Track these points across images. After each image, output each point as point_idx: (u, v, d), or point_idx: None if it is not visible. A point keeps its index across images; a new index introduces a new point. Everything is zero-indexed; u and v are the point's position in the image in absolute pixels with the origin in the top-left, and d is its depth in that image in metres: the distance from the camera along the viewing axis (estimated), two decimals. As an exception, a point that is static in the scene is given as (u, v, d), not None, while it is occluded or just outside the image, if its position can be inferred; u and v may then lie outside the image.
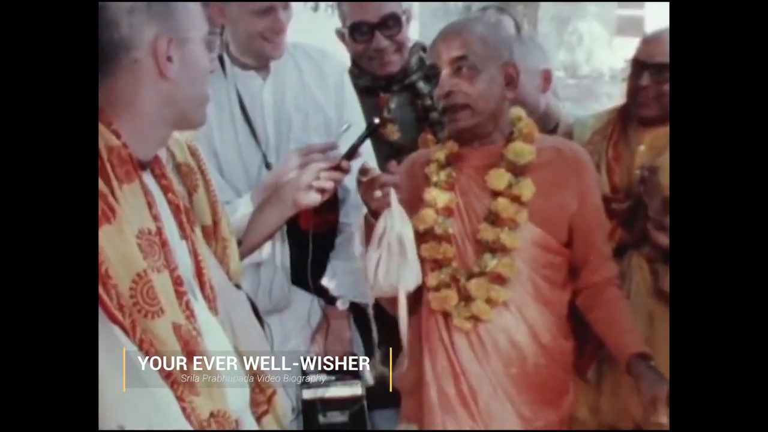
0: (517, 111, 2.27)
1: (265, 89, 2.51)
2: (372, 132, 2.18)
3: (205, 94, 1.56)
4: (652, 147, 2.44)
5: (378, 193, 2.10)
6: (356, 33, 2.73)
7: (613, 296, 2.22)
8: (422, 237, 2.20)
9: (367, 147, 2.37)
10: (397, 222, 2.08)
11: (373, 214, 2.13)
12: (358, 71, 2.79)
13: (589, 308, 2.23)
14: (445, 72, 2.16)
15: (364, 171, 2.12)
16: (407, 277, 2.09)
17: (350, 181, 2.28)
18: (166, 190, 1.58)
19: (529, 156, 2.20)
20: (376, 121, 2.17)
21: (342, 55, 2.77)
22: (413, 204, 2.20)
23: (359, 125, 2.30)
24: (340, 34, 2.81)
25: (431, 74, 2.64)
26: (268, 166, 2.47)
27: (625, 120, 2.56)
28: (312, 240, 2.32)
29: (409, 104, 2.77)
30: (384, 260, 2.07)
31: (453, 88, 2.15)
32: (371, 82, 2.78)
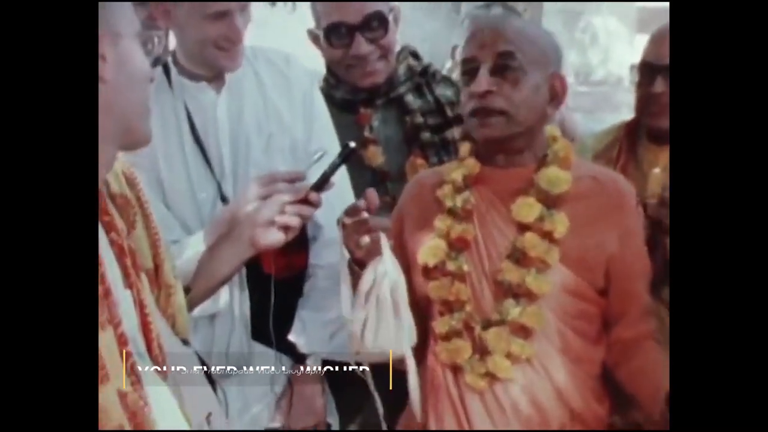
0: (552, 130, 2.25)
1: (220, 105, 2.49)
2: (347, 157, 2.14)
3: (146, 102, 1.58)
4: (668, 169, 2.41)
5: (366, 240, 2.07)
6: (333, 36, 2.71)
7: (650, 348, 2.19)
8: (431, 273, 2.19)
9: (342, 175, 2.35)
10: (389, 275, 2.05)
11: (358, 263, 2.10)
12: (334, 81, 2.78)
13: (618, 364, 2.22)
14: (485, 67, 2.14)
15: (352, 211, 2.09)
16: (401, 340, 2.07)
17: (322, 216, 2.27)
18: (108, 228, 1.58)
19: (564, 185, 2.18)
20: (352, 144, 2.13)
21: (314, 61, 2.78)
22: (422, 234, 2.20)
23: (334, 150, 2.27)
24: (313, 36, 2.79)
25: (423, 83, 2.73)
26: (223, 198, 2.45)
27: (635, 138, 2.56)
28: (275, 286, 2.32)
29: (395, 122, 2.77)
30: (372, 321, 2.05)
31: (493, 87, 2.14)
32: (350, 95, 2.77)
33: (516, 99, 2.15)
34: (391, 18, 2.72)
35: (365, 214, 2.07)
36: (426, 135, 2.71)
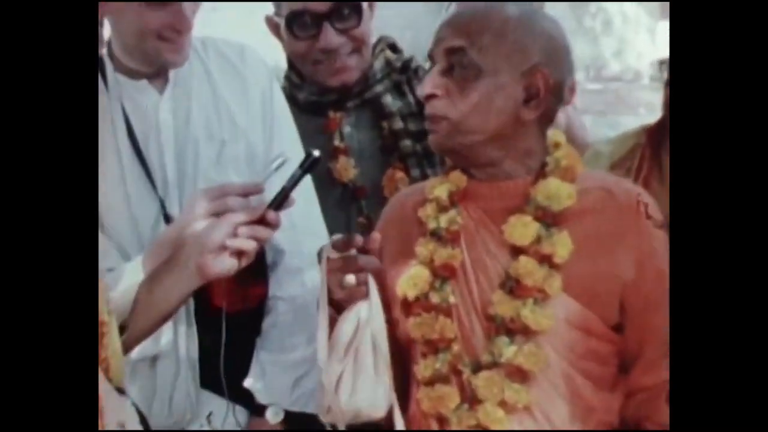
0: (555, 135, 2.20)
1: (162, 107, 2.44)
2: (310, 168, 2.05)
3: None
4: None
5: (351, 280, 2.02)
6: (296, 25, 2.65)
7: None
8: (411, 307, 2.14)
9: (307, 189, 2.33)
10: (373, 323, 2.02)
11: (335, 306, 2.05)
12: (297, 79, 2.74)
13: (645, 418, 2.13)
14: (438, 67, 2.11)
15: (341, 244, 2.03)
16: (380, 399, 2.04)
17: (284, 238, 2.25)
18: None
19: (566, 200, 2.11)
20: (316, 153, 2.04)
21: (273, 55, 2.74)
22: (402, 262, 2.16)
23: (298, 159, 2.18)
24: (272, 25, 2.73)
25: (404, 81, 2.72)
26: (166, 217, 2.40)
27: (659, 145, 2.51)
28: (228, 323, 2.25)
29: (370, 127, 2.72)
30: (348, 376, 2.01)
31: (437, 90, 2.10)
32: (317, 96, 2.72)
33: (461, 104, 2.10)
34: (365, 5, 2.67)
35: (354, 250, 2.03)
36: (406, 143, 2.66)
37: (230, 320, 2.25)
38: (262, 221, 2.01)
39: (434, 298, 2.13)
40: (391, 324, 2.12)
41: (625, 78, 8.73)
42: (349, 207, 2.25)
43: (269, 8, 2.74)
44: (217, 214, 2.03)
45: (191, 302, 2.26)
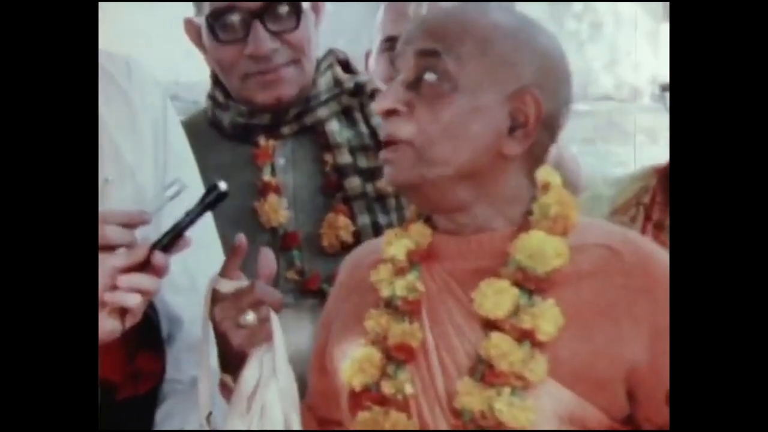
0: (546, 173, 1.94)
1: None
2: (213, 204, 1.84)
3: None
4: None
5: (250, 317, 1.82)
6: (220, 27, 2.36)
7: None
8: (358, 399, 1.93)
9: (213, 237, 2.09)
10: (280, 375, 1.85)
11: (233, 356, 1.85)
12: (223, 98, 2.45)
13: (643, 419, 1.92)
14: (401, 77, 1.87)
15: (230, 270, 1.87)
16: None
17: (182, 301, 2.04)
18: None
19: (555, 259, 1.84)
20: (222, 186, 1.82)
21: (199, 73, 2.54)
22: (350, 340, 1.96)
23: (198, 191, 1.98)
24: (192, 31, 2.47)
25: (356, 106, 2.48)
26: None
27: None
28: (117, 412, 1.99)
29: (310, 160, 2.46)
30: None
31: (400, 105, 1.84)
32: (245, 118, 2.43)
33: (428, 125, 1.83)
34: (306, 5, 2.40)
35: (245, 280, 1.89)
36: (354, 182, 2.38)
37: (118, 407, 2.00)
38: (147, 266, 1.81)
39: (387, 388, 1.88)
40: (337, 424, 1.97)
41: (619, 97, 7.63)
42: (277, 258, 1.90)
43: (188, 10, 2.50)
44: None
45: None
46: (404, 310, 1.92)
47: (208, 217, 2.00)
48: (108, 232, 1.80)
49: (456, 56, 1.85)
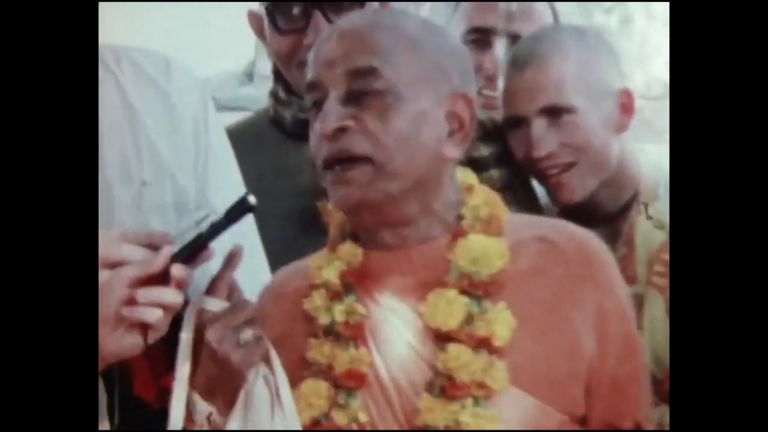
0: (465, 175, 1.89)
1: None
2: (237, 217, 1.75)
3: None
4: None
5: (248, 335, 1.74)
6: (280, 16, 2.27)
7: None
8: None
9: (255, 244, 2.02)
10: (281, 393, 1.76)
11: (229, 378, 1.76)
12: (285, 95, 2.34)
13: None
14: (335, 94, 1.78)
15: (220, 287, 1.80)
16: None
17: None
18: None
19: (497, 259, 1.80)
20: (252, 199, 1.74)
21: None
22: (290, 374, 1.82)
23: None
24: (255, 22, 2.36)
25: None
26: None
27: None
28: (149, 421, 1.91)
29: None
30: None
31: (347, 122, 1.77)
32: (307, 113, 2.26)
33: (384, 138, 1.76)
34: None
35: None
36: None
37: (151, 417, 1.90)
38: (164, 279, 1.71)
39: (339, 419, 1.80)
40: None
41: (651, 95, 7.25)
42: None
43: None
44: (113, 266, 1.72)
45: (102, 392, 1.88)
46: (347, 335, 1.82)
47: (251, 229, 1.97)
48: (125, 251, 1.74)
49: (393, 65, 1.78)
